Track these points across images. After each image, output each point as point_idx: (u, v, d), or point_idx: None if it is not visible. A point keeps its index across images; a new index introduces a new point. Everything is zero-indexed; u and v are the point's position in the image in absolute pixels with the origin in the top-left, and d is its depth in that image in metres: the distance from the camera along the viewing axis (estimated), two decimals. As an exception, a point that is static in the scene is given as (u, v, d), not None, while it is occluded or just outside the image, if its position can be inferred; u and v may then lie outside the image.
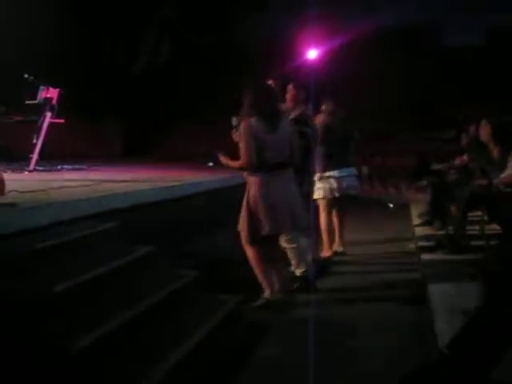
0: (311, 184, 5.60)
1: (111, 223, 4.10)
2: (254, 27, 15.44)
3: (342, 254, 6.19)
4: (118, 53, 13.77)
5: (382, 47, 16.91)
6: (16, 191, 4.31)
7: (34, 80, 6.98)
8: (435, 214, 7.04)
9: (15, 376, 2.53)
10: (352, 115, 6.58)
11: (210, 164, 8.81)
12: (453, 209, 5.59)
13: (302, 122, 4.76)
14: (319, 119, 5.87)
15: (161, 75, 14.33)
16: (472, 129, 7.44)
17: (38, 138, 6.75)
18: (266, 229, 4.22)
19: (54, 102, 6.91)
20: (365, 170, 11.52)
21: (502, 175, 5.20)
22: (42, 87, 6.93)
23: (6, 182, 4.07)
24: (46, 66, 9.80)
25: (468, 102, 14.90)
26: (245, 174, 4.38)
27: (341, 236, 6.29)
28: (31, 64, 8.86)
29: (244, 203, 4.28)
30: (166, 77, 14.34)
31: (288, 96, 5.19)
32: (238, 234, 4.37)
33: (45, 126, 6.80)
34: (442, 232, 6.51)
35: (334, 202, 6.06)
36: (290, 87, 5.12)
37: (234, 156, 4.33)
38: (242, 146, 4.16)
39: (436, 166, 7.67)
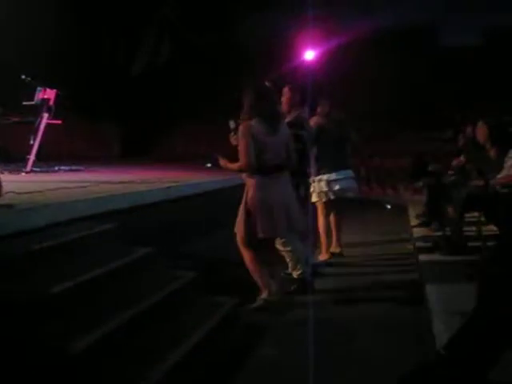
0: (308, 187, 5.60)
1: (109, 224, 4.10)
2: (253, 27, 15.44)
3: (339, 255, 6.19)
4: (118, 53, 13.78)
5: (380, 48, 16.91)
6: (13, 192, 4.30)
7: (31, 81, 6.97)
8: (432, 215, 7.04)
9: (13, 377, 2.53)
10: (350, 116, 6.58)
11: (208, 165, 8.81)
12: (450, 210, 5.59)
13: (297, 125, 4.76)
14: (313, 121, 5.86)
15: (160, 75, 14.34)
16: (469, 129, 7.46)
17: (35, 139, 6.75)
18: (262, 231, 4.22)
19: (51, 102, 6.91)
20: (363, 171, 11.54)
21: (499, 176, 5.20)
22: (39, 88, 6.92)
23: (3, 183, 4.06)
24: (46, 67, 9.79)
25: (467, 103, 14.92)
26: (243, 175, 4.37)
27: (338, 237, 6.29)
28: (30, 64, 8.85)
29: (242, 205, 4.28)
30: (165, 77, 14.35)
31: (283, 99, 5.19)
32: (235, 235, 4.36)
33: (42, 126, 6.79)
34: (439, 233, 6.52)
35: (331, 205, 6.06)
36: (286, 90, 5.12)
37: (233, 158, 4.33)
38: (241, 147, 4.15)
39: (432, 167, 7.68)
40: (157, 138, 15.19)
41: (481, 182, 5.37)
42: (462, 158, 6.68)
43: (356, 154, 6.42)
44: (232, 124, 4.47)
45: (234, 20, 15.26)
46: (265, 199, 4.18)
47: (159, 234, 4.83)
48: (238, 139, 4.27)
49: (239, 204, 4.32)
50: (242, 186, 4.45)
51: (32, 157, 6.70)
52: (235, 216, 4.34)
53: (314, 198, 5.93)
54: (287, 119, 4.89)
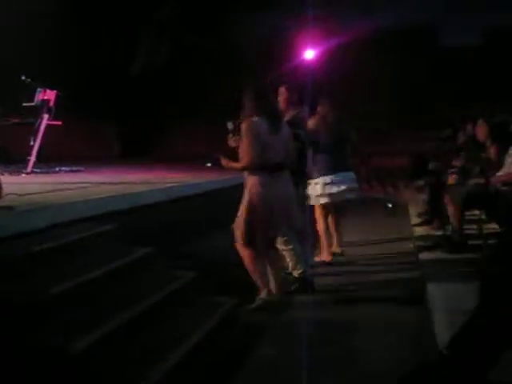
0: (306, 186, 5.60)
1: (109, 225, 4.10)
2: (253, 27, 15.45)
3: (340, 255, 6.18)
4: (117, 53, 13.77)
5: (379, 48, 16.92)
6: (13, 194, 4.31)
7: (31, 82, 6.97)
8: (433, 213, 7.04)
9: (13, 378, 2.53)
10: (350, 115, 6.57)
11: (208, 165, 8.82)
12: (450, 208, 5.58)
13: (295, 124, 4.75)
14: (312, 122, 5.85)
15: (160, 75, 14.35)
16: (469, 127, 7.45)
17: (35, 140, 6.76)
18: (263, 230, 4.23)
19: (51, 103, 6.91)
20: (363, 170, 11.50)
21: (499, 173, 5.20)
22: (39, 89, 6.93)
23: (4, 185, 4.07)
24: (45, 67, 9.81)
25: (466, 102, 14.91)
26: (245, 173, 4.34)
27: (338, 238, 6.29)
28: (30, 65, 8.86)
29: (244, 203, 4.23)
30: (165, 77, 14.36)
31: (280, 98, 5.18)
32: (233, 233, 4.33)
33: (42, 128, 6.80)
34: (440, 231, 6.51)
35: (330, 207, 6.05)
36: (283, 90, 5.11)
37: (233, 158, 4.31)
38: (244, 145, 4.11)
39: (433, 166, 7.67)
40: (157, 138, 15.20)
41: (481, 180, 5.37)
42: (461, 159, 6.65)
43: (356, 154, 6.37)
44: (230, 125, 4.46)
45: (234, 20, 15.25)
46: (268, 197, 4.16)
47: (159, 234, 4.83)
48: (240, 138, 4.25)
49: (239, 204, 4.31)
50: (241, 186, 4.43)
51: (32, 158, 6.71)
52: (235, 215, 4.32)
53: (312, 201, 5.93)
54: (285, 119, 4.88)
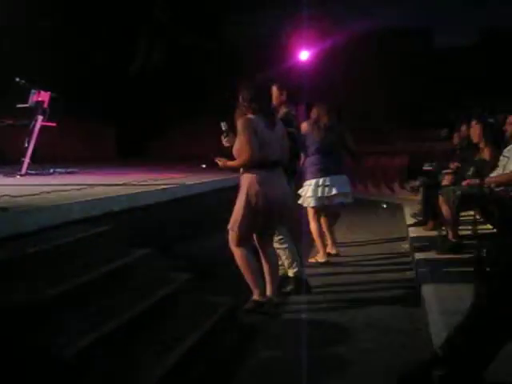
0: (297, 184, 5.62)
1: (104, 227, 4.09)
2: (252, 28, 15.49)
3: (335, 255, 6.20)
4: (117, 53, 13.75)
5: (375, 48, 16.98)
6: (8, 195, 4.29)
7: (26, 83, 6.94)
8: (428, 214, 7.06)
9: (12, 379, 2.52)
10: (350, 116, 6.58)
11: (204, 166, 8.83)
12: (445, 209, 5.60)
13: (286, 122, 4.76)
14: (304, 127, 5.87)
15: (159, 76, 14.35)
16: (463, 128, 7.49)
17: (29, 142, 6.72)
18: (261, 228, 4.22)
19: (46, 105, 6.88)
20: (359, 172, 11.53)
21: (493, 174, 5.22)
22: (33, 91, 6.90)
23: (-2, 187, 4.05)
24: (45, 67, 9.79)
25: (467, 102, 14.99)
26: (241, 172, 4.28)
27: (332, 238, 6.31)
28: (29, 65, 8.85)
29: (240, 202, 4.18)
30: (164, 77, 14.36)
31: (273, 97, 5.17)
32: (227, 233, 4.30)
33: (36, 129, 6.77)
34: (435, 232, 6.53)
35: (321, 209, 6.07)
36: (274, 89, 5.12)
37: (228, 158, 4.29)
38: (242, 142, 4.08)
39: (427, 167, 7.70)
40: (156, 139, 15.20)
41: (476, 181, 5.38)
42: (457, 164, 6.66)
43: (352, 156, 6.36)
44: (224, 126, 4.44)
45: (233, 20, 15.29)
46: (267, 195, 4.12)
47: (155, 235, 4.82)
48: (234, 138, 4.25)
49: (234, 203, 4.28)
50: (236, 187, 4.41)
51: (27, 159, 6.68)
52: (230, 216, 4.30)
53: (305, 203, 5.95)
54: (278, 116, 4.89)
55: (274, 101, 5.04)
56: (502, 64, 16.50)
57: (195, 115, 14.35)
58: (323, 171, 5.88)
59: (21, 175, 6.56)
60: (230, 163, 4.25)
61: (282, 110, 5.07)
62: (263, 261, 4.39)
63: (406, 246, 6.80)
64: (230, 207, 4.30)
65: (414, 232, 7.10)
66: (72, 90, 10.40)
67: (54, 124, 7.12)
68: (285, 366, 3.41)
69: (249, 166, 4.15)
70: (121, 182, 5.96)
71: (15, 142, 7.02)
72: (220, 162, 4.31)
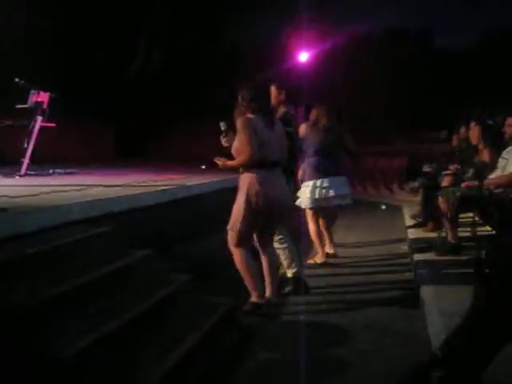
0: (295, 184, 5.63)
1: (103, 227, 4.09)
2: (246, 28, 15.49)
3: (333, 256, 6.20)
4: (116, 54, 13.73)
5: (374, 49, 17.00)
6: (7, 196, 4.29)
7: (25, 84, 6.94)
8: (427, 215, 7.07)
9: (11, 381, 2.52)
10: (344, 117, 6.58)
11: (203, 167, 8.84)
12: (444, 210, 5.61)
13: (285, 121, 4.76)
14: (302, 129, 5.88)
15: (155, 77, 14.35)
16: (462, 130, 7.49)
17: (28, 143, 6.72)
18: (262, 228, 4.22)
19: (45, 105, 6.88)
20: (358, 173, 11.54)
21: (492, 176, 5.22)
22: (32, 91, 6.89)
23: (-3, 187, 4.06)
24: (45, 68, 9.79)
25: (467, 103, 15.00)
26: (241, 170, 4.25)
27: (330, 239, 6.32)
28: (28, 65, 8.84)
29: (240, 202, 4.15)
30: (160, 78, 14.36)
31: (271, 97, 5.18)
32: (227, 233, 4.29)
33: (36, 130, 6.77)
34: (434, 233, 6.54)
35: (319, 210, 6.08)
36: (272, 88, 5.12)
37: (228, 158, 4.29)
38: (242, 141, 4.06)
39: (427, 168, 7.70)
40: (152, 140, 15.18)
41: (475, 183, 5.39)
42: (457, 166, 6.66)
43: (351, 157, 6.37)
44: (223, 126, 4.43)
45: (233, 20, 15.30)
46: (267, 194, 4.11)
47: (155, 236, 4.82)
48: (233, 137, 4.24)
49: (234, 204, 4.27)
50: (235, 188, 4.40)
51: (26, 160, 6.68)
52: (230, 217, 4.29)
53: (303, 205, 5.95)
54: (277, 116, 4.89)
55: (273, 100, 5.04)
56: (502, 66, 16.52)
57: (195, 115, 14.34)
58: (322, 172, 5.89)
59: (20, 176, 6.56)
60: (230, 163, 4.22)
61: (281, 110, 5.07)
62: (263, 261, 4.38)
63: (404, 247, 6.81)
64: (229, 208, 4.28)
65: (413, 233, 7.10)
66: (72, 90, 10.39)
67: (53, 124, 7.11)
68: (284, 367, 3.41)
69: (248, 166, 4.13)
70: (120, 183, 5.96)
71: (14, 143, 7.02)
72: (219, 161, 4.29)
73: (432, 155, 9.62)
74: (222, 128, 4.44)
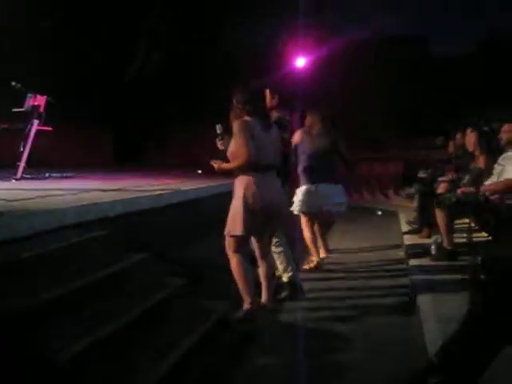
0: (291, 189, 5.63)
1: (99, 231, 4.08)
2: (243, 35, 15.52)
3: (326, 259, 6.21)
4: (115, 57, 13.73)
5: (372, 56, 17.04)
6: (3, 200, 4.27)
7: (22, 87, 6.92)
8: (423, 221, 7.08)
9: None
10: (340, 124, 6.58)
11: (199, 171, 8.84)
12: (439, 216, 5.62)
13: (280, 126, 4.77)
14: (297, 135, 5.89)
15: (153, 82, 14.35)
16: (459, 136, 7.51)
17: (25, 146, 6.71)
18: (260, 231, 4.19)
19: (42, 109, 6.87)
20: (353, 179, 11.54)
21: (487, 182, 5.23)
22: (29, 95, 6.88)
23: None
24: (40, 68, 9.77)
25: (464, 111, 15.04)
26: (236, 173, 4.20)
27: (324, 244, 6.33)
28: (26, 66, 8.83)
29: (237, 204, 4.10)
30: (158, 84, 14.36)
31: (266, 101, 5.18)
32: (224, 238, 4.27)
33: (32, 133, 6.76)
34: (430, 239, 6.54)
35: (313, 215, 6.08)
36: (267, 93, 5.13)
37: (224, 161, 4.27)
38: (239, 144, 4.02)
39: (422, 174, 7.72)
40: (151, 140, 15.17)
41: (471, 189, 5.40)
42: (454, 175, 6.67)
43: (346, 164, 6.37)
44: (219, 128, 4.42)
45: (231, 25, 15.33)
46: (264, 197, 4.07)
47: (151, 240, 4.81)
48: (229, 140, 4.22)
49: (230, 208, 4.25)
50: (231, 193, 4.39)
51: (22, 164, 6.67)
52: (225, 222, 4.27)
53: (295, 211, 5.96)
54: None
55: (268, 104, 5.05)
56: (499, 73, 16.60)
57: (195, 115, 14.33)
58: (314, 179, 5.89)
59: (16, 179, 6.54)
60: (226, 165, 4.19)
61: (274, 115, 5.08)
62: (260, 266, 4.35)
63: (401, 253, 6.81)
64: (225, 212, 4.26)
65: (409, 239, 7.11)
66: (72, 90, 10.39)
67: (49, 128, 7.10)
68: (281, 372, 3.40)
69: (245, 168, 4.08)
70: (116, 187, 5.95)
71: (11, 146, 7.00)
72: (215, 164, 4.26)
73: (428, 161, 9.64)
74: (218, 131, 4.43)
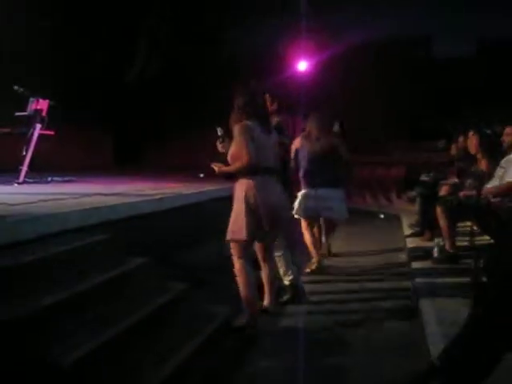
0: (292, 193, 5.64)
1: (101, 235, 4.08)
2: (243, 38, 15.54)
3: (326, 259, 6.23)
4: (114, 55, 13.74)
5: (372, 58, 17.04)
6: (5, 204, 4.28)
7: (24, 91, 6.94)
8: (425, 224, 7.07)
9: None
10: (347, 126, 6.57)
11: (201, 175, 8.84)
12: (441, 220, 5.61)
13: (281, 130, 4.77)
14: (297, 141, 5.91)
15: (154, 85, 14.37)
16: (461, 139, 7.51)
17: (27, 150, 6.73)
18: (260, 231, 4.15)
19: (44, 113, 6.89)
20: (355, 183, 11.51)
21: (489, 185, 5.23)
22: (31, 99, 6.90)
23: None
24: (40, 68, 9.79)
25: (465, 112, 15.03)
26: (236, 177, 4.19)
27: (324, 246, 6.34)
28: (26, 67, 8.84)
29: (239, 208, 4.08)
30: (159, 87, 14.38)
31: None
32: (227, 245, 4.27)
33: (34, 137, 6.77)
34: (432, 242, 6.53)
35: (314, 220, 6.09)
36: (266, 96, 5.13)
37: (225, 164, 4.27)
38: (240, 146, 4.01)
39: (424, 177, 7.71)
40: (150, 148, 15.18)
41: (473, 192, 5.40)
42: (456, 180, 6.66)
43: (347, 168, 6.36)
44: (220, 131, 4.42)
45: (226, 30, 15.35)
46: (266, 200, 4.06)
47: (152, 244, 4.81)
48: (229, 143, 4.21)
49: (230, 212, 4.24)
50: (232, 197, 4.38)
51: (24, 168, 6.68)
52: (226, 226, 4.26)
53: (296, 215, 5.97)
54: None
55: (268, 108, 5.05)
56: (500, 74, 16.59)
57: (194, 120, 14.33)
58: (314, 183, 5.89)
59: (18, 183, 6.56)
60: (226, 168, 4.18)
61: (274, 120, 5.08)
62: (263, 270, 4.35)
63: (403, 256, 6.81)
64: (227, 216, 4.26)
65: (411, 242, 7.10)
66: (72, 91, 10.39)
67: (52, 132, 7.11)
68: (283, 375, 3.40)
69: (247, 170, 4.06)
70: (118, 191, 5.96)
71: (13, 151, 7.02)
72: (216, 167, 4.25)
73: (430, 164, 9.63)
74: (219, 133, 4.43)
